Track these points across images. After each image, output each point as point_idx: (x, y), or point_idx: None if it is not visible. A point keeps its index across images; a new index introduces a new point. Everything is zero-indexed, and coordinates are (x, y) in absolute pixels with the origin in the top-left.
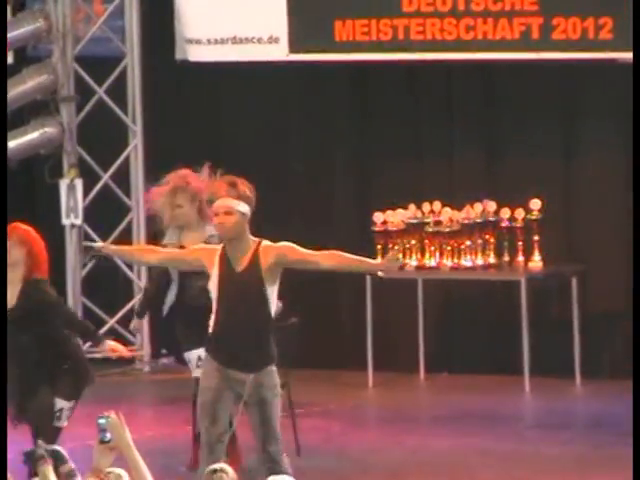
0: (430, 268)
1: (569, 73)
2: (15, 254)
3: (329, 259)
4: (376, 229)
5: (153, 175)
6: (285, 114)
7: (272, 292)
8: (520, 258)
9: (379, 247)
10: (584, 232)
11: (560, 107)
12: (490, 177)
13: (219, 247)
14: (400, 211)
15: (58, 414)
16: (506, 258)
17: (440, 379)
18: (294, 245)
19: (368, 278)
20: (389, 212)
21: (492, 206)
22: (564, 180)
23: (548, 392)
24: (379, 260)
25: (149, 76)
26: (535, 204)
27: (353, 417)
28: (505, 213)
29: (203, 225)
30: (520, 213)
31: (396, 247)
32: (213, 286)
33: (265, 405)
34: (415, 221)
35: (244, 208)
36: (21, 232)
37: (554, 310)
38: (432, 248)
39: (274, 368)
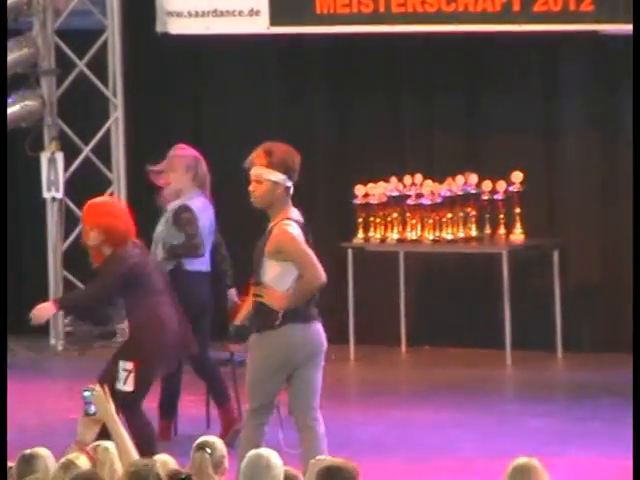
0: (411, 241)
1: (551, 45)
2: (92, 237)
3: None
4: (357, 202)
5: (134, 148)
6: (266, 86)
7: (271, 266)
8: (502, 231)
9: (360, 220)
10: (566, 205)
11: (542, 79)
12: (472, 150)
13: None
14: (382, 184)
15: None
16: (488, 231)
17: (422, 352)
18: (292, 242)
19: (349, 251)
20: (370, 185)
21: (473, 179)
22: (546, 152)
23: (530, 365)
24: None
25: (130, 49)
26: (517, 177)
27: (335, 391)
28: (487, 186)
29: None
30: (502, 186)
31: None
32: None
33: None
34: (396, 194)
35: (276, 177)
36: (88, 214)
37: (536, 283)
38: (413, 221)
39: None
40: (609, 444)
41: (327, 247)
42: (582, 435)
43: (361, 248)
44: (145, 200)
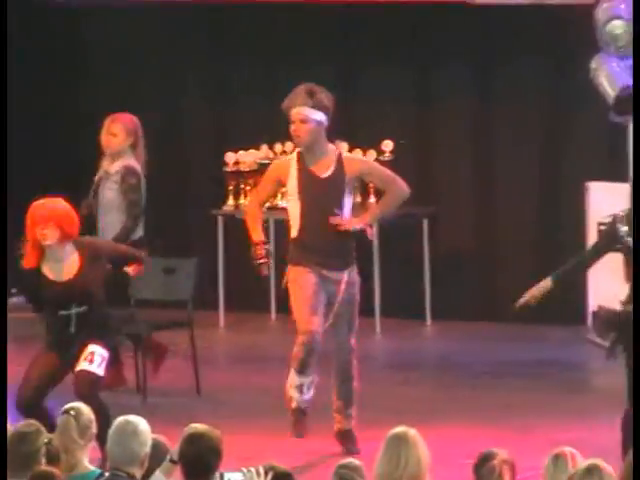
0: (281, 208)
1: (425, 14)
2: (51, 235)
3: (398, 187)
4: (228, 169)
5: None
6: (142, 53)
7: (348, 202)
8: (372, 199)
9: (230, 188)
10: (436, 174)
11: (416, 47)
12: (343, 118)
13: (291, 157)
14: (252, 151)
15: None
16: (358, 199)
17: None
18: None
19: (220, 218)
20: (241, 152)
21: (344, 147)
22: (416, 121)
23: (399, 333)
24: None
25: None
26: (387, 145)
27: (204, 357)
28: (357, 154)
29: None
30: (372, 154)
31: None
32: (293, 192)
33: (354, 304)
34: (267, 162)
35: (320, 116)
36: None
37: (405, 251)
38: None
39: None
40: (476, 412)
41: (199, 214)
42: (450, 402)
43: (231, 215)
44: None
